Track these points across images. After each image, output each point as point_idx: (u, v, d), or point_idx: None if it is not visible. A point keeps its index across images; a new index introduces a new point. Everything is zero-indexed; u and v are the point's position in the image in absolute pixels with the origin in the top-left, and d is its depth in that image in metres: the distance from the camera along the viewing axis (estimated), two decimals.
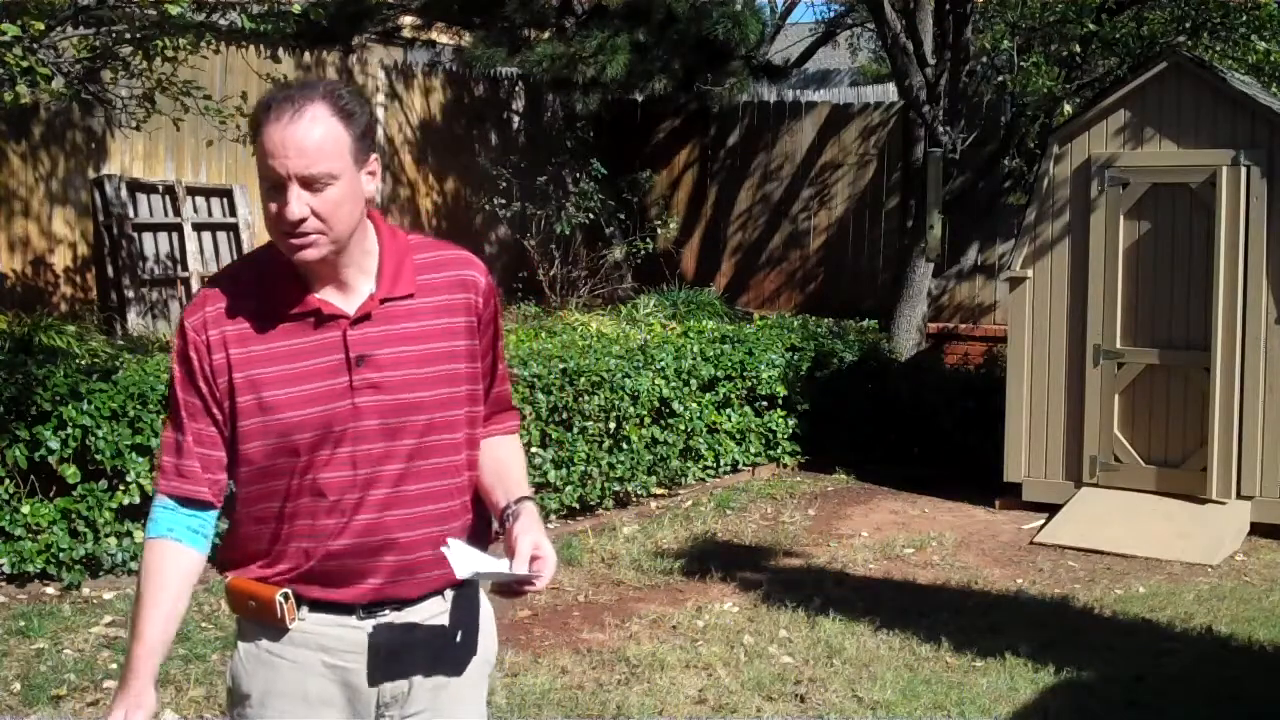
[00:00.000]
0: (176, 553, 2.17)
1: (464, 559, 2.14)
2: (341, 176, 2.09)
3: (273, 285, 2.17)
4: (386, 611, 2.22)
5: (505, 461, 2.35)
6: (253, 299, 2.17)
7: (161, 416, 5.76)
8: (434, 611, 2.26)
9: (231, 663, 2.29)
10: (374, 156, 2.16)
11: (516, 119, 12.58)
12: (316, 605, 2.21)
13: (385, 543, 2.19)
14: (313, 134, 2.06)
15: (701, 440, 8.00)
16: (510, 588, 2.21)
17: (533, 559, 2.16)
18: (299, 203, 2.06)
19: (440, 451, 2.22)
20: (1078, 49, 9.60)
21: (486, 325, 2.29)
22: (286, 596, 2.19)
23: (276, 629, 2.21)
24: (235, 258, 9.73)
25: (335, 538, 2.17)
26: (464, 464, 2.27)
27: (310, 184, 2.06)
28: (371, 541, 2.18)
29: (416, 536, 2.20)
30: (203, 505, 2.19)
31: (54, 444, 5.52)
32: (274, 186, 2.08)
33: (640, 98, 11.84)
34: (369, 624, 2.21)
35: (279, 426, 2.14)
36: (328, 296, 2.17)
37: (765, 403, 8.45)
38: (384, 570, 2.20)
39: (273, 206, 2.09)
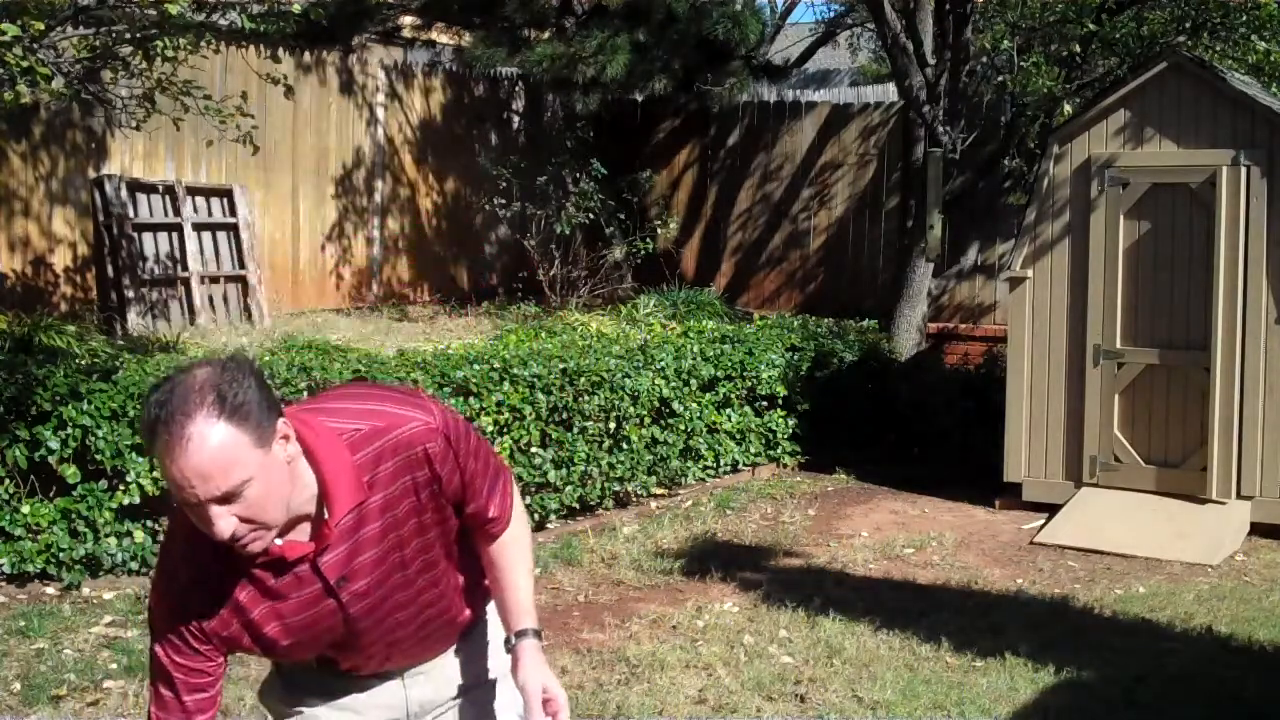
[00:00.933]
0: None
1: None
2: (255, 476, 1.94)
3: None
4: None
5: (501, 574, 2.36)
6: (217, 555, 2.06)
7: None
8: (464, 645, 2.44)
9: (264, 697, 2.43)
10: (280, 422, 1.99)
11: (516, 119, 12.59)
12: None
13: (400, 664, 2.34)
14: (206, 454, 1.89)
15: (701, 440, 8.00)
16: None
17: (545, 700, 2.25)
18: (224, 521, 1.94)
19: (437, 596, 2.31)
20: (1078, 49, 9.60)
21: (451, 476, 2.21)
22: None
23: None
24: (235, 259, 9.74)
25: (353, 667, 2.32)
26: (452, 572, 2.33)
27: (226, 500, 1.93)
28: (387, 668, 2.33)
29: (430, 642, 2.35)
30: None
31: (54, 444, 5.52)
32: (190, 506, 1.94)
33: (640, 98, 11.85)
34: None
35: (280, 651, 2.21)
36: (289, 535, 2.10)
37: (765, 403, 8.45)
38: (404, 664, 2.35)
39: (198, 521, 1.96)
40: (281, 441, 1.99)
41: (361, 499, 2.11)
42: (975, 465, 8.07)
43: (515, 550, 2.35)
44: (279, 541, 2.07)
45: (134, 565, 5.71)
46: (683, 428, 7.82)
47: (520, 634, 2.30)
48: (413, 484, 2.16)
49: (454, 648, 2.40)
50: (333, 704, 2.33)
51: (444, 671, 2.38)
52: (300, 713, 2.33)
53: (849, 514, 7.56)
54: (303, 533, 2.11)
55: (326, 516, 2.09)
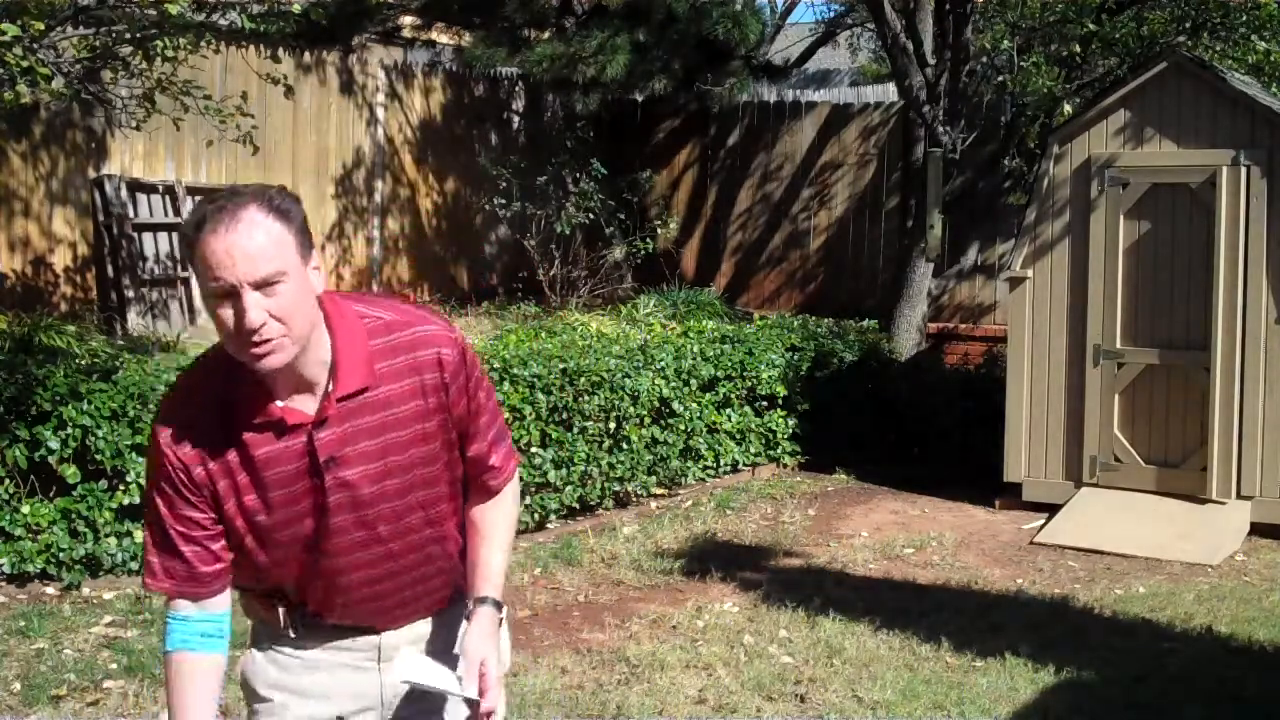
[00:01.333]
0: (194, 663, 2.17)
1: (411, 667, 2.21)
2: (291, 274, 2.01)
3: (236, 392, 2.11)
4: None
5: (480, 539, 2.33)
6: (218, 409, 2.12)
7: None
8: (445, 621, 2.34)
9: (243, 662, 2.36)
10: (314, 251, 2.10)
11: (516, 119, 12.59)
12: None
13: (379, 607, 2.27)
14: (255, 237, 1.99)
15: (701, 440, 8.00)
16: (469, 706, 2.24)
17: (482, 675, 2.20)
18: (256, 309, 1.99)
19: (428, 524, 2.26)
20: (1078, 49, 9.60)
21: (459, 395, 2.22)
22: (289, 607, 2.28)
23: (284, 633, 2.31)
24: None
25: (328, 605, 2.26)
26: (453, 528, 2.32)
27: (263, 287, 1.99)
28: (366, 607, 2.27)
29: (410, 594, 2.29)
30: (209, 599, 2.18)
31: (54, 444, 5.52)
32: (225, 297, 2.00)
33: (640, 98, 11.84)
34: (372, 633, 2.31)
35: (260, 529, 2.16)
36: (291, 402, 2.12)
37: (765, 403, 8.45)
38: (382, 619, 2.29)
39: (227, 318, 2.00)
40: (315, 270, 2.08)
41: (369, 384, 2.14)
42: (975, 465, 8.07)
43: (500, 517, 2.34)
44: (280, 404, 2.10)
45: (134, 565, 5.70)
46: (683, 428, 7.83)
47: (481, 600, 2.26)
48: (420, 386, 2.17)
49: (429, 634, 2.33)
50: (302, 693, 2.28)
51: (419, 660, 2.32)
52: (270, 700, 2.29)
53: (849, 514, 7.56)
54: (306, 404, 2.12)
55: (331, 389, 2.12)
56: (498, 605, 2.27)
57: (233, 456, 2.12)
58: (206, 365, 2.18)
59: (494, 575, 2.29)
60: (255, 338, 2.00)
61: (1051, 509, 7.42)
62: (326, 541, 2.18)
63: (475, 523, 2.33)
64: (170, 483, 2.13)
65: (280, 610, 2.27)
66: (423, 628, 2.33)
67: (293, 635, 2.28)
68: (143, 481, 5.59)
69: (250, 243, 1.98)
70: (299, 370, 2.09)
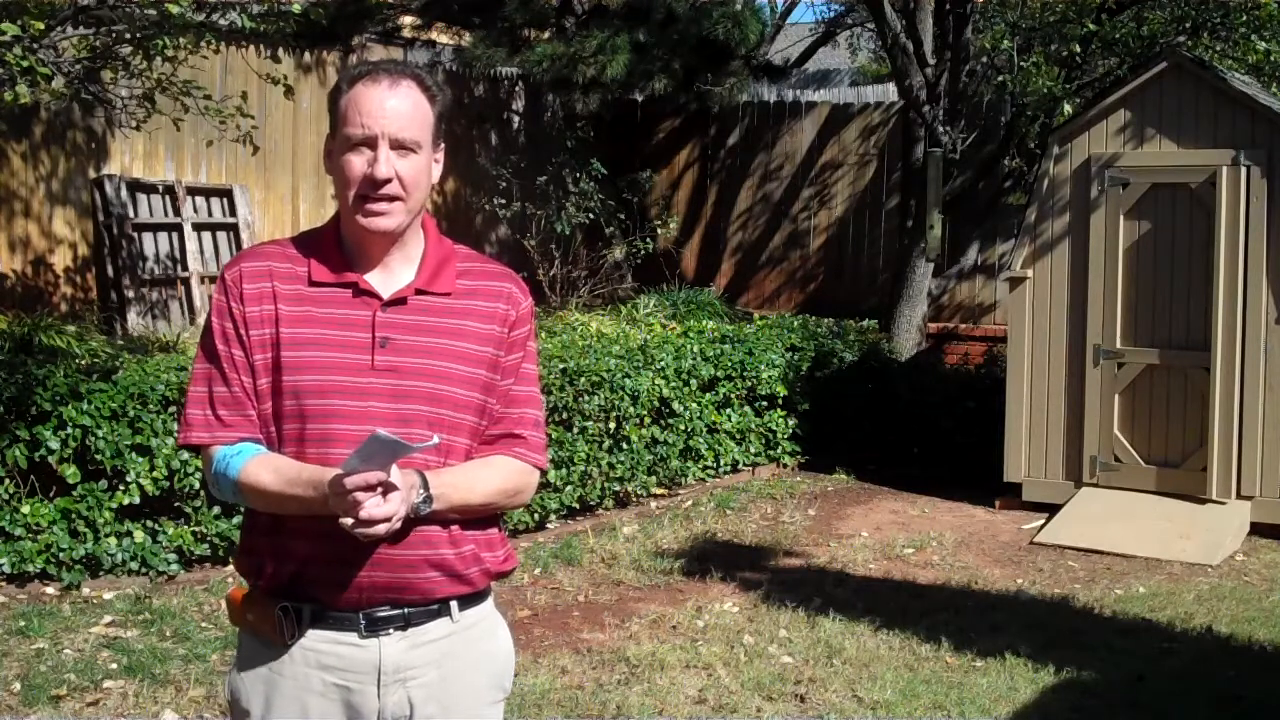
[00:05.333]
0: (267, 454, 2.17)
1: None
2: (423, 149, 2.18)
3: (316, 255, 2.22)
4: (390, 630, 2.18)
5: (472, 463, 2.22)
6: (293, 264, 2.22)
7: (161, 416, 5.76)
8: (441, 633, 2.22)
9: (230, 677, 2.26)
10: (442, 145, 2.25)
11: (516, 119, 12.58)
12: (316, 618, 2.17)
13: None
14: (409, 102, 2.16)
15: (701, 440, 8.00)
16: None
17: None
18: (388, 163, 2.13)
19: (446, 453, 2.18)
20: (1078, 49, 9.59)
21: (517, 343, 2.27)
22: (285, 611, 2.16)
23: (276, 646, 2.18)
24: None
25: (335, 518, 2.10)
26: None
27: (399, 147, 2.14)
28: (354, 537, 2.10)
29: (414, 535, 2.15)
30: (243, 442, 2.19)
31: (54, 444, 5.52)
32: (361, 145, 2.14)
33: (640, 98, 11.84)
34: (371, 643, 2.17)
35: (294, 387, 2.15)
36: (368, 277, 2.20)
37: (765, 403, 8.45)
38: (382, 565, 2.15)
39: (358, 166, 2.14)
40: (436, 162, 2.23)
41: (448, 290, 2.23)
42: (975, 465, 8.07)
43: (499, 466, 2.24)
44: (367, 276, 2.20)
45: (134, 565, 5.71)
46: (683, 428, 7.83)
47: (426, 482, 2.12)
48: (490, 312, 2.24)
49: (448, 634, 2.21)
50: (294, 715, 2.17)
51: (422, 642, 2.21)
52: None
53: (849, 514, 7.56)
54: (382, 284, 2.20)
55: (412, 281, 2.21)
56: (426, 482, 2.12)
57: (290, 309, 2.18)
58: (300, 234, 2.30)
59: (451, 471, 2.17)
60: (377, 192, 2.13)
61: (1051, 509, 7.42)
62: (353, 425, 2.11)
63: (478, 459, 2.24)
64: (227, 318, 2.19)
65: (273, 612, 2.15)
66: (434, 630, 2.20)
67: (280, 633, 2.15)
68: (143, 481, 5.64)
69: (402, 105, 2.14)
70: (388, 252, 2.20)
